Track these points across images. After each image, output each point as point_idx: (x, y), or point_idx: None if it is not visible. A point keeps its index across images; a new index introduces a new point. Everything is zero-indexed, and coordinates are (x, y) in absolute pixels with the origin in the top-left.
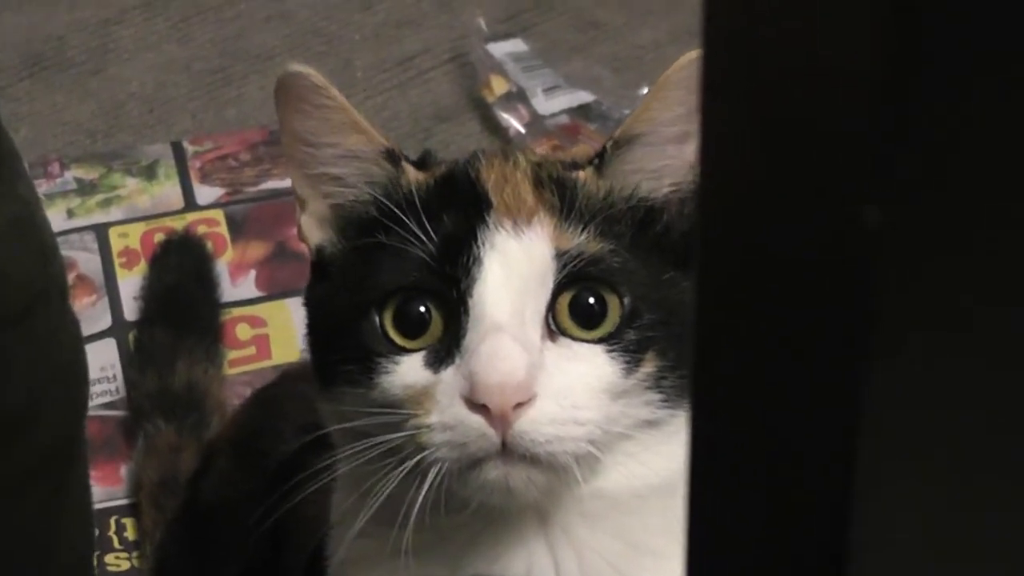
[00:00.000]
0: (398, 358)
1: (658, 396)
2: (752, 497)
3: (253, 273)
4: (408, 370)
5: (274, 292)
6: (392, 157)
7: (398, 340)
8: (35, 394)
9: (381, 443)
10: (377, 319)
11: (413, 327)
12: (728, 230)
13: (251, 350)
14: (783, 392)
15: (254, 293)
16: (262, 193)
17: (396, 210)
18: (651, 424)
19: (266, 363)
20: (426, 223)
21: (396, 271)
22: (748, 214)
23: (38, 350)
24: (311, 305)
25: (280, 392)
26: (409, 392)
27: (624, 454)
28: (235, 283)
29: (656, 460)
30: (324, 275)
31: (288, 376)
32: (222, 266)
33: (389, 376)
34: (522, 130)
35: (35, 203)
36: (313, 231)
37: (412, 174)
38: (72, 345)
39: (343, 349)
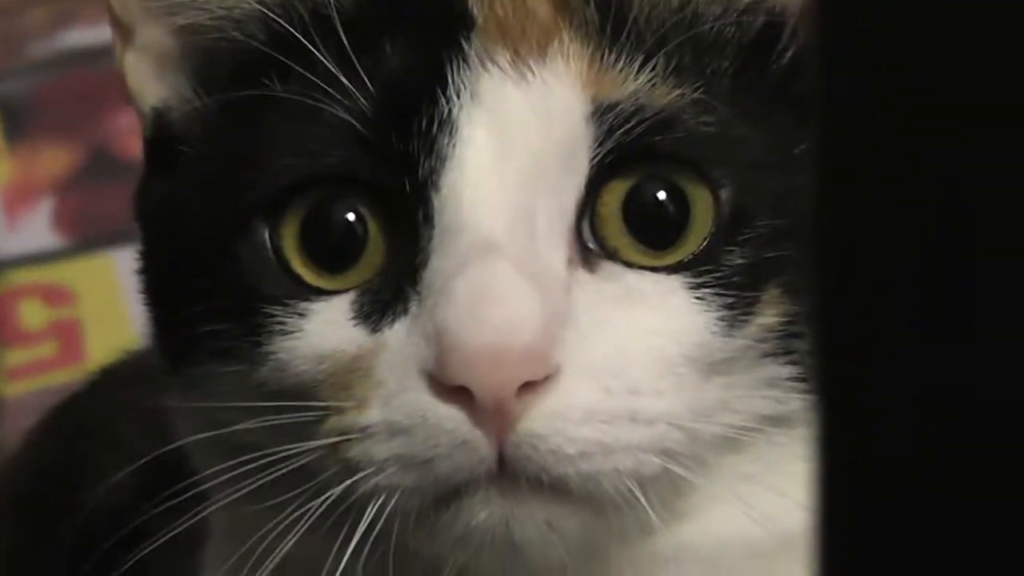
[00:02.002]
0: (306, 306)
1: (787, 368)
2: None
3: (47, 205)
4: (325, 328)
5: (90, 239)
6: None
7: (307, 275)
8: None
9: (277, 461)
10: (267, 237)
11: (334, 251)
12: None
13: (50, 347)
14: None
15: (51, 243)
16: (59, 55)
17: (299, 34)
18: (777, 421)
19: (78, 370)
20: (354, 57)
21: (300, 148)
22: None
23: None
24: (146, 218)
25: (98, 403)
26: (328, 368)
27: (731, 476)
28: (13, 225)
29: (791, 486)
30: (170, 162)
31: (113, 377)
32: None
33: (290, 340)
34: None
35: None
36: (147, 81)
37: None
38: None
39: (205, 295)
